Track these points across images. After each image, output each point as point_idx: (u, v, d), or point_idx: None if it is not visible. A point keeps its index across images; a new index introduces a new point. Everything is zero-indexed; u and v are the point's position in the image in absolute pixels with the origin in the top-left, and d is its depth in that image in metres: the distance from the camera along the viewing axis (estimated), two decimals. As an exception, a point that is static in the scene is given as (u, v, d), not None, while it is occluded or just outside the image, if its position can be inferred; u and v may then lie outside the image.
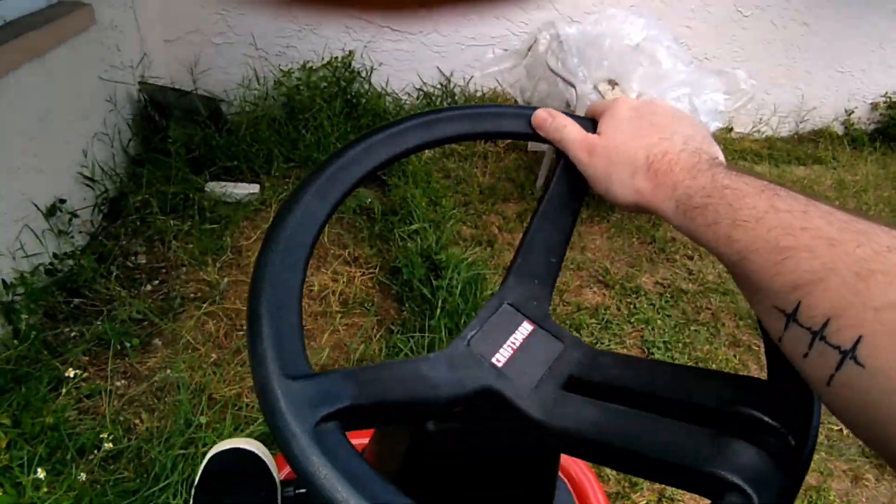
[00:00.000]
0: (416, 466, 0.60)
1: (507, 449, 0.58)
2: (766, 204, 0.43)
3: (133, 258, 2.50)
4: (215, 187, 2.91)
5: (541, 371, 0.50)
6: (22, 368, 1.87)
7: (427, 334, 2.16)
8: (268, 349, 0.44)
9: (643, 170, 0.53)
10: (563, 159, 0.62)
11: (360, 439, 0.85)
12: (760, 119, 4.55)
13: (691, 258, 2.92)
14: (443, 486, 0.62)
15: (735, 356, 2.39)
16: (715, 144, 0.56)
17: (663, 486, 1.97)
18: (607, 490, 1.88)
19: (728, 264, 0.45)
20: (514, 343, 0.52)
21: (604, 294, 2.62)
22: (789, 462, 0.42)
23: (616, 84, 2.85)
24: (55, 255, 2.25)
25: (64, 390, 1.88)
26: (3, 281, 1.99)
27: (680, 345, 2.39)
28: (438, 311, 2.23)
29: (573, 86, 2.74)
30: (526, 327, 0.53)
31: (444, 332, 2.13)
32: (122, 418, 1.86)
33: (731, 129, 4.43)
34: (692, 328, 2.49)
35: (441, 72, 3.84)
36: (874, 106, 4.80)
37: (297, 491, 0.85)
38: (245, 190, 2.96)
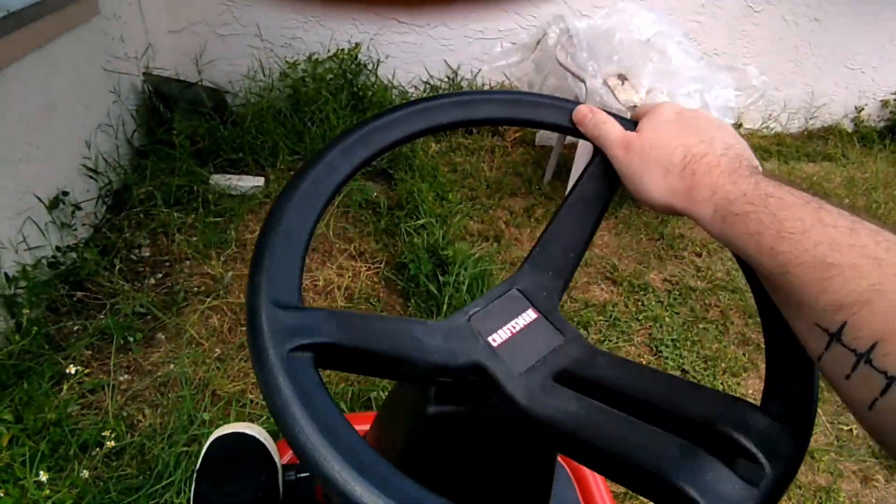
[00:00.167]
0: (416, 451, 0.60)
1: (502, 436, 0.58)
2: (811, 217, 0.41)
3: (137, 251, 2.48)
4: (220, 180, 2.88)
5: (534, 359, 0.49)
6: (24, 363, 1.85)
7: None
8: (264, 276, 0.45)
9: (678, 168, 0.52)
10: (598, 156, 0.62)
11: (362, 425, 0.84)
12: (770, 115, 4.51)
13: (699, 255, 2.89)
14: (442, 471, 0.61)
15: (744, 355, 2.36)
16: (755, 157, 0.54)
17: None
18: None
19: (768, 276, 0.44)
20: (514, 327, 0.52)
21: (611, 291, 2.59)
22: (760, 490, 0.42)
23: (626, 79, 2.82)
24: (58, 248, 2.23)
25: (66, 385, 1.86)
26: (6, 274, 1.97)
27: (688, 343, 2.36)
28: (445, 307, 2.20)
29: (583, 81, 2.70)
30: (530, 315, 0.53)
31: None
32: (125, 413, 1.84)
33: (741, 126, 4.40)
34: (700, 326, 2.46)
35: (448, 65, 3.80)
36: (884, 103, 4.76)
37: (298, 475, 0.86)
38: (250, 182, 2.94)
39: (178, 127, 2.91)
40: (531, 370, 0.48)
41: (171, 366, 2.00)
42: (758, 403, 0.48)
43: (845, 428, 2.18)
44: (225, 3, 3.31)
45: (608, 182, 0.60)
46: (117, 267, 2.30)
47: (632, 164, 0.56)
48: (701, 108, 2.68)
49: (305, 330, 0.43)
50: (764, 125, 4.53)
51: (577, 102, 0.64)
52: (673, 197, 0.52)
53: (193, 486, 0.81)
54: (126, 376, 1.97)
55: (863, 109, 4.77)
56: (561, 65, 2.88)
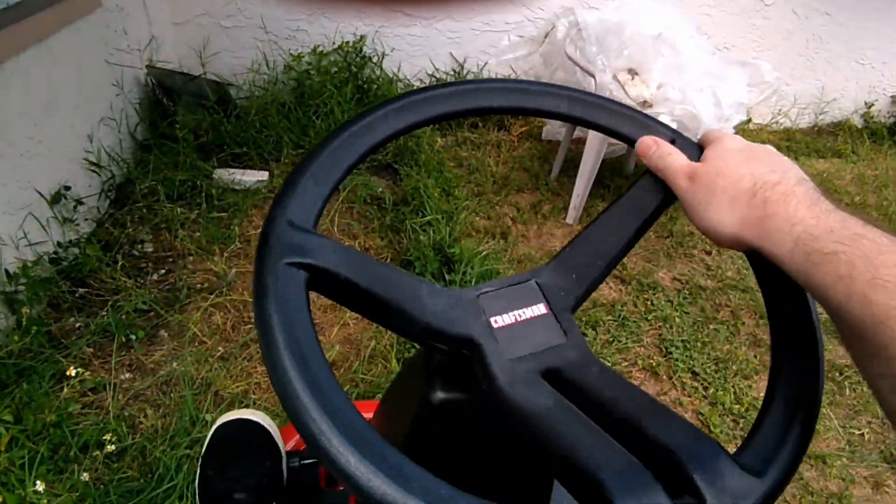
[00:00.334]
0: (420, 438, 0.60)
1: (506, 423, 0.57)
2: None
3: (140, 246, 2.45)
4: (223, 174, 2.85)
5: (529, 350, 0.49)
6: (25, 362, 1.83)
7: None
8: (289, 197, 0.49)
9: (747, 196, 0.49)
10: (649, 172, 0.61)
11: (365, 413, 0.83)
12: (780, 110, 4.47)
13: (709, 253, 2.85)
14: (446, 458, 0.60)
15: (755, 357, 2.32)
16: None
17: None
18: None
19: (856, 326, 0.40)
20: (519, 315, 0.52)
21: (620, 290, 2.56)
22: None
23: (636, 73, 2.77)
24: (59, 244, 2.20)
25: (67, 385, 1.84)
26: (6, 271, 1.94)
27: (699, 344, 2.32)
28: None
29: (592, 75, 2.66)
30: (540, 309, 0.52)
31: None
32: (126, 414, 1.81)
33: (750, 120, 4.35)
34: (711, 326, 2.42)
35: (454, 58, 3.76)
36: (894, 99, 4.71)
37: (302, 461, 0.87)
38: (254, 177, 2.91)
39: (182, 121, 2.87)
40: (522, 359, 0.49)
41: (174, 364, 1.97)
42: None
43: (857, 432, 2.14)
44: (229, -5, 3.27)
45: (654, 200, 0.59)
46: (119, 263, 2.27)
47: (696, 194, 0.53)
48: (713, 103, 2.63)
49: (307, 250, 0.46)
50: (773, 120, 4.49)
51: (645, 115, 0.63)
52: (742, 227, 0.49)
53: (198, 471, 0.81)
54: (128, 375, 1.95)
55: (873, 105, 4.71)
56: (570, 59, 2.83)
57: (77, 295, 2.16)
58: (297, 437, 1.05)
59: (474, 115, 0.62)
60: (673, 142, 0.61)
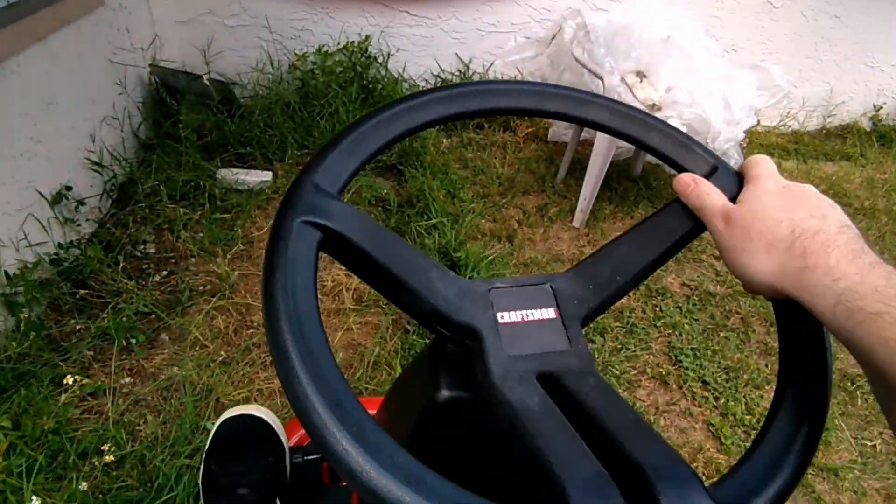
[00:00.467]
0: (425, 434, 0.60)
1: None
2: None
3: (142, 247, 2.42)
4: (227, 174, 2.82)
5: (530, 351, 0.50)
6: (23, 366, 1.79)
7: (444, 336, 2.06)
8: (319, 162, 0.52)
9: (785, 244, 0.47)
10: None
11: (369, 409, 0.83)
12: (787, 113, 4.43)
13: (718, 258, 2.81)
14: (450, 455, 0.60)
15: (766, 366, 2.28)
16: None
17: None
18: None
19: None
20: (527, 315, 0.52)
21: (629, 295, 2.52)
22: None
23: (644, 76, 2.74)
24: (60, 245, 2.17)
25: (66, 390, 1.80)
26: (6, 273, 1.91)
27: (709, 352, 2.29)
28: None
29: (600, 77, 2.62)
30: (549, 313, 0.52)
31: (462, 334, 2.04)
32: (126, 420, 1.78)
33: (758, 123, 4.31)
34: (721, 334, 2.39)
35: (459, 58, 3.73)
36: (903, 102, 4.68)
37: (305, 457, 0.88)
38: (257, 177, 2.87)
39: (185, 120, 2.84)
40: (521, 358, 0.49)
41: (175, 369, 1.94)
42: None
43: (869, 443, 2.11)
44: (233, -7, 3.24)
45: (684, 226, 0.58)
46: (121, 264, 2.24)
47: (732, 238, 0.51)
48: (723, 106, 2.60)
49: (325, 212, 0.48)
50: (781, 122, 4.45)
51: (684, 135, 0.64)
52: (779, 276, 0.47)
53: (202, 466, 0.83)
54: (128, 379, 1.92)
55: (881, 108, 4.69)
56: (577, 61, 2.80)
57: (78, 296, 2.13)
58: (301, 432, 1.04)
59: (526, 115, 0.64)
60: (715, 169, 0.60)
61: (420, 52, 3.65)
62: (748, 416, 2.07)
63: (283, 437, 0.88)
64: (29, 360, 1.83)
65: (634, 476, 0.43)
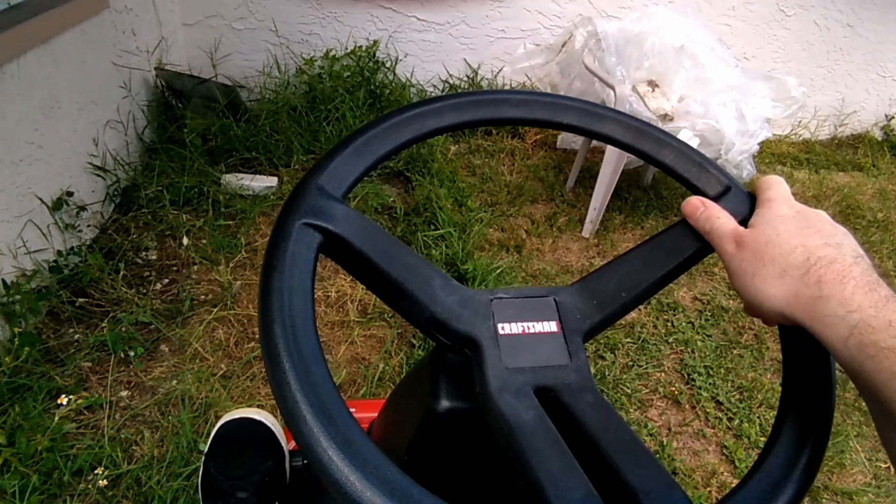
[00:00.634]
0: (424, 444, 0.59)
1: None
2: None
3: (143, 254, 2.38)
4: (232, 180, 2.78)
5: (529, 364, 0.49)
6: (19, 379, 1.75)
7: (451, 350, 2.01)
8: (325, 164, 0.52)
9: (799, 271, 0.46)
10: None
11: (370, 413, 0.88)
12: (799, 122, 4.38)
13: (729, 272, 2.75)
14: (449, 466, 0.61)
15: (781, 385, 2.22)
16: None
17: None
18: None
19: None
20: (528, 328, 0.51)
21: (639, 309, 2.46)
22: None
23: (656, 86, 2.69)
24: (59, 253, 2.13)
25: (65, 399, 1.76)
26: (3, 281, 1.87)
27: (722, 370, 2.23)
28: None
29: (612, 87, 2.57)
30: (551, 326, 0.52)
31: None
32: (122, 436, 1.73)
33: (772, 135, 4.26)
34: (735, 351, 2.33)
35: (468, 64, 3.69)
36: (917, 112, 4.63)
37: (305, 461, 0.85)
38: (263, 183, 2.83)
39: (190, 125, 2.80)
40: (519, 370, 0.48)
41: (174, 382, 1.89)
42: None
43: (883, 465, 2.05)
44: (241, -4, 3.21)
45: (692, 246, 0.57)
46: (122, 272, 2.20)
47: (743, 262, 0.50)
48: (736, 118, 2.55)
49: (327, 215, 0.48)
50: (793, 132, 4.40)
51: (697, 153, 0.63)
52: (791, 304, 0.46)
53: (202, 468, 0.82)
54: (125, 392, 1.87)
55: (893, 118, 4.66)
56: (588, 69, 2.75)
57: (77, 305, 2.08)
58: None
59: (539, 126, 0.63)
60: (727, 189, 0.59)
61: (428, 57, 3.62)
62: (763, 439, 2.02)
63: (283, 441, 0.88)
64: (25, 374, 1.78)
65: (627, 499, 0.42)
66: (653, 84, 2.70)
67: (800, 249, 0.47)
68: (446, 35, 3.56)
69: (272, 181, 2.85)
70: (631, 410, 2.03)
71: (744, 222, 0.54)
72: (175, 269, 2.33)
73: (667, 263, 0.56)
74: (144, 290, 2.22)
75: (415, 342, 2.14)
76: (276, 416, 0.90)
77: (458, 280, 0.52)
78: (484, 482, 0.61)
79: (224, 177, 2.77)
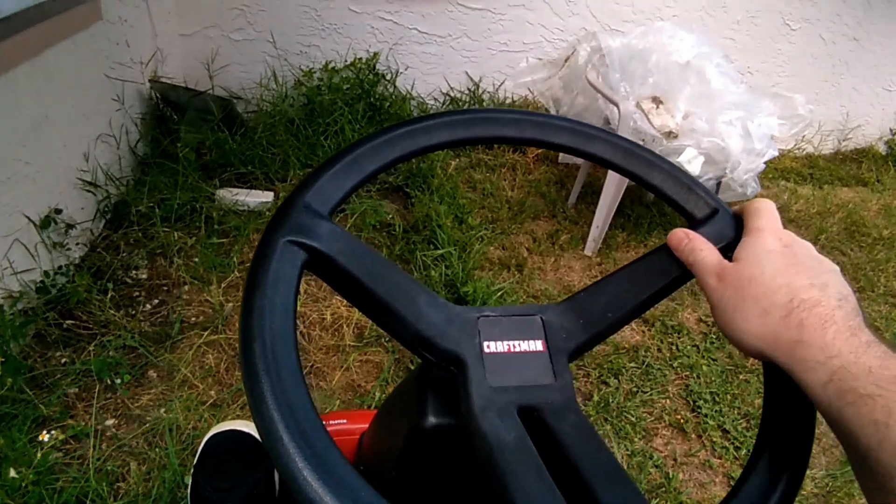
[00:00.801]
0: (411, 460, 0.59)
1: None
2: None
3: (134, 273, 2.32)
4: (226, 195, 2.71)
5: (513, 383, 0.49)
6: (4, 408, 1.68)
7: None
8: (312, 181, 0.51)
9: (781, 312, 0.46)
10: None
11: (361, 424, 0.88)
12: (803, 137, 4.33)
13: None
14: (436, 482, 0.62)
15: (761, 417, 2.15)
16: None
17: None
18: None
19: (884, 473, 0.38)
20: (514, 346, 0.51)
21: (643, 332, 2.40)
22: None
23: (661, 102, 2.63)
24: (46, 273, 2.06)
25: (46, 435, 1.69)
26: (-14, 304, 1.80)
27: (728, 397, 2.15)
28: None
29: (616, 104, 2.51)
30: (537, 345, 0.52)
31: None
32: (109, 467, 1.65)
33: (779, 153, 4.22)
34: (741, 376, 2.25)
35: (470, 77, 3.64)
36: (922, 127, 4.60)
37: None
38: (258, 198, 2.77)
39: (184, 139, 2.74)
40: (503, 390, 0.48)
41: (162, 410, 1.82)
42: None
43: None
44: (239, 8, 3.16)
45: (682, 266, 0.56)
46: (110, 294, 2.13)
47: (724, 296, 0.50)
48: (742, 135, 2.49)
49: (311, 232, 0.48)
50: (796, 146, 4.35)
51: (685, 174, 0.63)
52: (771, 344, 0.46)
53: (190, 481, 0.82)
54: (112, 421, 1.80)
55: (898, 133, 4.62)
56: (591, 85, 2.70)
57: (64, 327, 2.02)
58: None
59: (530, 145, 0.64)
60: (715, 212, 0.59)
61: (429, 69, 3.57)
62: (771, 470, 1.95)
63: None
64: (10, 402, 1.71)
65: None
66: (657, 100, 2.64)
67: (784, 290, 0.46)
68: (448, 48, 3.51)
69: (268, 196, 2.79)
70: (636, 440, 1.97)
71: (730, 247, 0.54)
72: (165, 288, 2.27)
73: (654, 285, 0.56)
74: (133, 311, 2.15)
75: (413, 368, 2.07)
76: None
77: (457, 303, 0.50)
78: (469, 500, 0.61)
79: (218, 192, 2.71)
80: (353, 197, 2.86)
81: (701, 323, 2.50)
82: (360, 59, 3.37)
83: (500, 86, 3.67)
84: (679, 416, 2.08)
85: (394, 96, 3.45)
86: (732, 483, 1.77)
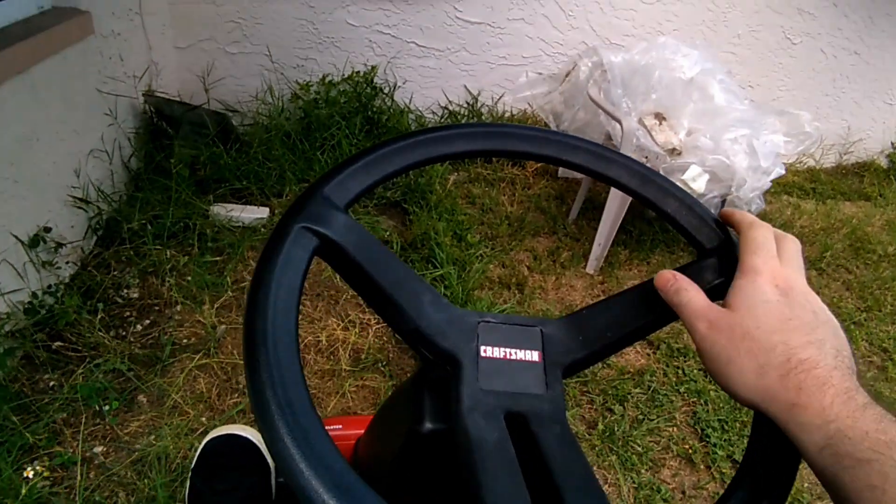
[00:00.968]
0: (407, 465, 0.60)
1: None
2: None
3: (125, 291, 2.25)
4: (221, 211, 2.65)
5: (504, 388, 0.49)
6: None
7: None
8: (334, 175, 0.54)
9: (778, 371, 0.44)
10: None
11: (357, 429, 0.87)
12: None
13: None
14: (431, 488, 0.62)
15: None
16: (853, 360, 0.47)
17: None
18: None
19: None
20: (510, 354, 0.52)
21: (648, 355, 2.34)
22: None
23: (664, 118, 2.58)
24: (34, 295, 2.00)
25: (31, 472, 1.62)
26: (-30, 328, 1.74)
27: (737, 424, 2.09)
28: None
29: (618, 120, 2.47)
30: (532, 355, 0.52)
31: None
32: (96, 498, 1.59)
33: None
34: (748, 402, 2.20)
35: (468, 90, 3.60)
36: (923, 141, 4.59)
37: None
38: (253, 214, 2.71)
39: (178, 154, 2.68)
40: (493, 393, 0.49)
41: (151, 437, 1.76)
42: None
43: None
44: (235, 20, 3.11)
45: None
46: (100, 315, 2.07)
47: (716, 346, 0.48)
48: (747, 153, 2.44)
49: (325, 221, 0.50)
50: (798, 160, 4.32)
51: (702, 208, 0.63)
52: (766, 402, 0.45)
53: (188, 484, 0.82)
54: (101, 448, 1.73)
55: (900, 146, 4.61)
56: (593, 101, 2.65)
57: (52, 349, 1.96)
58: None
59: (544, 161, 0.65)
60: (714, 251, 0.59)
61: (428, 83, 3.53)
62: None
63: (269, 457, 0.87)
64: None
65: None
66: (660, 117, 2.60)
67: (780, 347, 0.45)
68: (446, 61, 3.47)
69: (263, 212, 2.74)
70: (643, 471, 1.90)
71: (724, 286, 0.53)
72: (157, 308, 2.20)
73: (658, 309, 0.55)
74: (124, 332, 2.09)
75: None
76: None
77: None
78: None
79: (212, 208, 2.65)
80: (350, 212, 2.81)
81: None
82: (358, 72, 3.32)
83: (498, 100, 3.63)
84: (687, 446, 2.02)
85: (391, 110, 3.41)
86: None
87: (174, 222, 2.46)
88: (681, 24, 3.58)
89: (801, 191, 4.04)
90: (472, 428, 0.46)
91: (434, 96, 3.58)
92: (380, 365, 2.08)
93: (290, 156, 3.00)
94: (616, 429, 2.00)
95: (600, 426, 2.00)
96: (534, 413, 0.48)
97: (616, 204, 2.58)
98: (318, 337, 2.15)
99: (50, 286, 2.10)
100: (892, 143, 4.68)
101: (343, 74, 3.31)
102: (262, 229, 2.65)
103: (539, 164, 3.53)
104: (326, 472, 0.36)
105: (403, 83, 3.47)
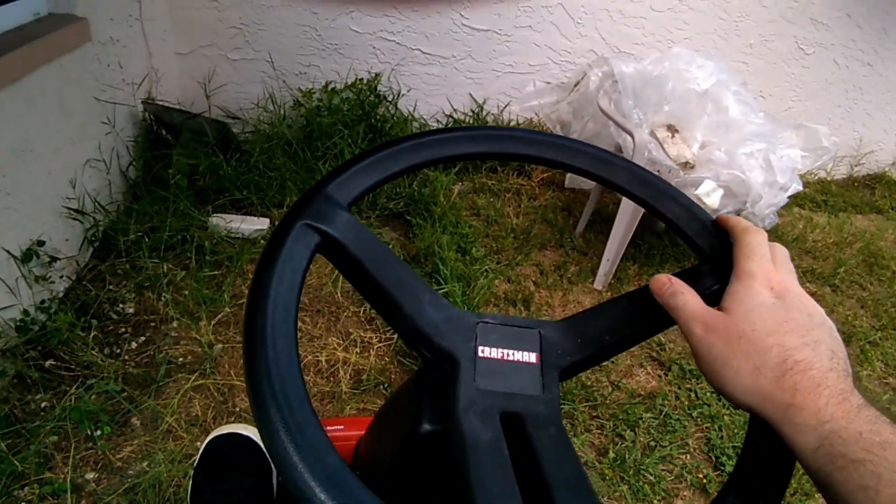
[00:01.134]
0: (406, 466, 0.60)
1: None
2: None
3: (120, 307, 2.19)
4: (220, 222, 2.59)
5: (500, 389, 0.49)
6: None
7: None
8: (337, 174, 0.55)
9: (774, 373, 0.45)
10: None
11: (358, 430, 0.87)
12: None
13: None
14: (431, 489, 0.61)
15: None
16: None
17: None
18: None
19: None
20: (508, 355, 0.52)
21: (659, 377, 2.26)
22: None
23: (676, 131, 2.51)
24: (25, 312, 1.93)
25: (25, 487, 1.56)
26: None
27: (751, 452, 2.02)
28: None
29: (629, 132, 2.40)
30: (530, 357, 0.52)
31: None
32: (86, 528, 1.53)
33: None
34: (763, 428, 2.12)
35: (473, 98, 3.53)
36: (936, 153, 4.52)
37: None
38: (253, 225, 2.65)
39: (176, 164, 2.62)
40: (490, 393, 0.49)
41: (145, 464, 1.69)
42: None
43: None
44: (237, 26, 3.05)
45: None
46: (93, 332, 2.00)
47: (712, 349, 0.48)
48: (763, 168, 2.37)
49: (327, 218, 0.51)
50: (809, 172, 4.24)
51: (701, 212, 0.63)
52: (762, 403, 0.45)
53: (190, 484, 0.82)
54: (92, 475, 1.67)
55: (912, 158, 4.54)
56: (603, 112, 2.58)
57: (44, 368, 1.89)
58: None
59: (551, 165, 0.64)
60: (712, 256, 0.59)
61: (432, 91, 3.46)
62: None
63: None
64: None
65: None
66: (672, 129, 2.53)
67: (776, 349, 0.46)
68: (451, 69, 3.41)
69: (263, 223, 2.67)
70: (655, 502, 1.83)
71: (719, 291, 0.53)
72: (153, 325, 2.14)
73: (657, 313, 0.54)
74: (118, 350, 2.02)
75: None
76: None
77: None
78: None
79: (211, 219, 2.59)
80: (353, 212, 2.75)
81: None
82: (361, 79, 3.26)
83: (504, 108, 3.56)
84: (701, 475, 1.94)
85: (395, 118, 3.34)
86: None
87: (172, 234, 2.39)
88: (692, 32, 3.50)
89: (813, 203, 3.98)
90: (467, 427, 0.46)
91: (439, 104, 3.52)
92: (381, 388, 2.01)
93: (291, 165, 2.94)
94: (627, 456, 1.92)
95: (611, 454, 1.92)
96: (529, 414, 0.49)
97: (627, 217, 2.51)
98: (318, 357, 2.08)
99: (43, 301, 2.03)
100: (904, 155, 4.61)
101: (346, 82, 3.25)
102: (262, 241, 2.58)
103: (545, 174, 3.46)
104: (319, 465, 0.36)
105: (408, 91, 3.41)
